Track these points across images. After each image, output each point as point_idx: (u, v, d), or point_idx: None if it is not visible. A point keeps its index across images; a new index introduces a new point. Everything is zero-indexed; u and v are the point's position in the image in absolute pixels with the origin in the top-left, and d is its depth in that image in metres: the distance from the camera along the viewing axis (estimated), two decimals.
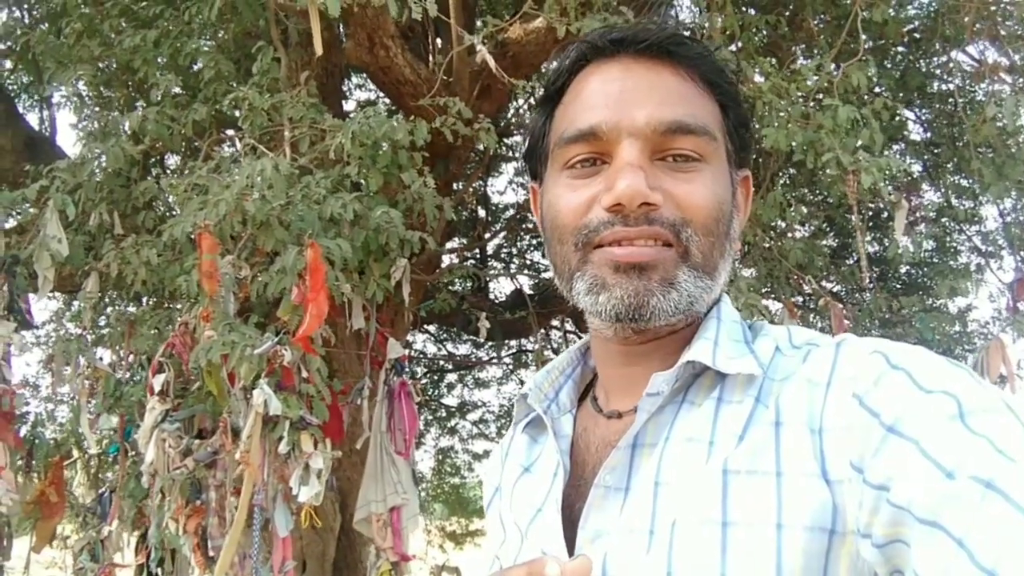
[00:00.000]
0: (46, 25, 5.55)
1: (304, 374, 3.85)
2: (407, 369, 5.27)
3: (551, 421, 0.89)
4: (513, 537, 0.88)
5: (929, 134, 7.32)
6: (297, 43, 5.04)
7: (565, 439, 0.89)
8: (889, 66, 6.63)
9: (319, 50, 3.80)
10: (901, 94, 6.55)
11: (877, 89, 5.94)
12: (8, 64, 6.92)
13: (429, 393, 9.68)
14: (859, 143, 3.95)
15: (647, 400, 0.78)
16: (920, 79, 6.11)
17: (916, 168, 7.71)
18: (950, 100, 6.31)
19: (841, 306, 4.49)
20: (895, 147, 7.44)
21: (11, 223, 4.97)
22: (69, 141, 24.32)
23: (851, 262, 7.10)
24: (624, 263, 0.77)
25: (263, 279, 3.79)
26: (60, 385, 4.70)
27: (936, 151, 7.16)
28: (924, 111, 7.25)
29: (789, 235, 5.83)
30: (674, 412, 0.79)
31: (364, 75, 7.10)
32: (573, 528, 0.79)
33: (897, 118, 6.80)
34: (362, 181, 4.19)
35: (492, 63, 4.06)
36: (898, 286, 7.94)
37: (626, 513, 0.75)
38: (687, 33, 0.86)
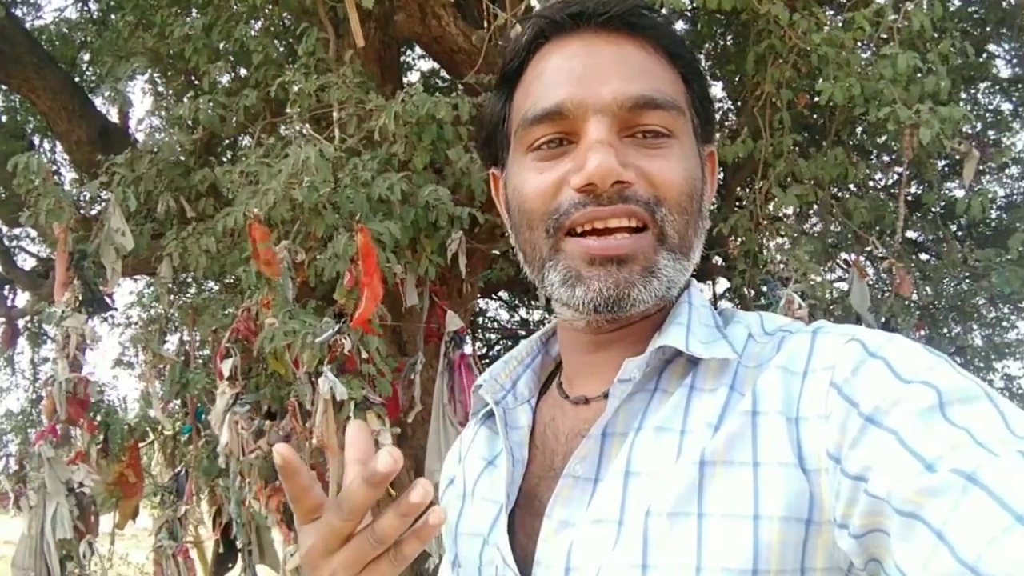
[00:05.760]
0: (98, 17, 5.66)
1: (364, 355, 3.91)
2: (467, 340, 5.28)
3: (503, 412, 0.87)
4: (476, 529, 0.86)
5: (1019, 70, 6.83)
6: (346, 21, 4.99)
7: (519, 431, 0.87)
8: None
9: (360, 41, 3.75)
10: (988, 28, 6.13)
11: (961, 27, 5.56)
12: (86, 57, 7.18)
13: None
14: (926, 91, 3.71)
15: (618, 387, 0.75)
16: (1001, 13, 5.67)
17: (1006, 107, 7.23)
18: None
19: (902, 266, 4.27)
20: (982, 86, 7.00)
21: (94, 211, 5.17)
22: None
23: (935, 210, 6.70)
24: (600, 256, 0.74)
25: (319, 263, 3.82)
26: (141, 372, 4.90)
27: None
28: (1013, 45, 6.75)
29: (855, 192, 5.55)
30: (645, 400, 0.76)
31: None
32: (541, 519, 0.76)
33: (984, 55, 6.37)
34: (411, 159, 4.15)
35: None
36: (988, 234, 7.49)
37: (594, 504, 0.73)
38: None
